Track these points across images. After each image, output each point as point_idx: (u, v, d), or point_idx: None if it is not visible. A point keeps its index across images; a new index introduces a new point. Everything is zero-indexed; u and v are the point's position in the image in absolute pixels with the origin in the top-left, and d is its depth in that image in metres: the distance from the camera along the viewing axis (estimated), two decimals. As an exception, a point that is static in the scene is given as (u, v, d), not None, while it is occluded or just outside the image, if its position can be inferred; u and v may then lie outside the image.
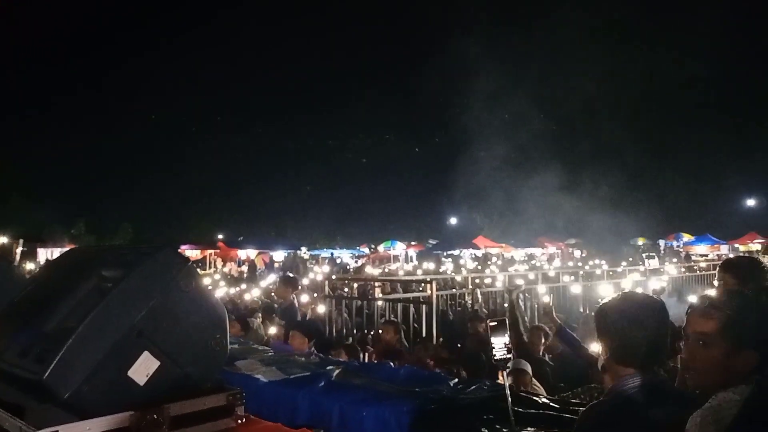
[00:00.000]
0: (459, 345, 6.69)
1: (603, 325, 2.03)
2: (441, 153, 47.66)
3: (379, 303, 7.78)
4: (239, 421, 2.00)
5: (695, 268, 15.30)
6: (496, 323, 2.48)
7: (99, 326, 1.69)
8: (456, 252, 36.77)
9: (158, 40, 50.63)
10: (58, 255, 3.06)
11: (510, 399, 2.42)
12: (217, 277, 17.28)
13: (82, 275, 1.96)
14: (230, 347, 2.15)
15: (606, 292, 7.79)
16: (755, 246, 30.85)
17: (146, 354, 1.76)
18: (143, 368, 1.75)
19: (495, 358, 2.45)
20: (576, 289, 8.48)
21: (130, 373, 1.74)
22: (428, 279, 8.35)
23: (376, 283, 8.34)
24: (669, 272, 13.34)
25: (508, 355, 2.43)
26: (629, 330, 1.89)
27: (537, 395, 3.38)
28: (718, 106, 35.15)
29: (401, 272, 19.31)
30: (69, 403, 1.68)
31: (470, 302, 9.28)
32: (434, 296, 7.54)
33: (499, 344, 2.42)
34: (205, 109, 48.68)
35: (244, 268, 27.85)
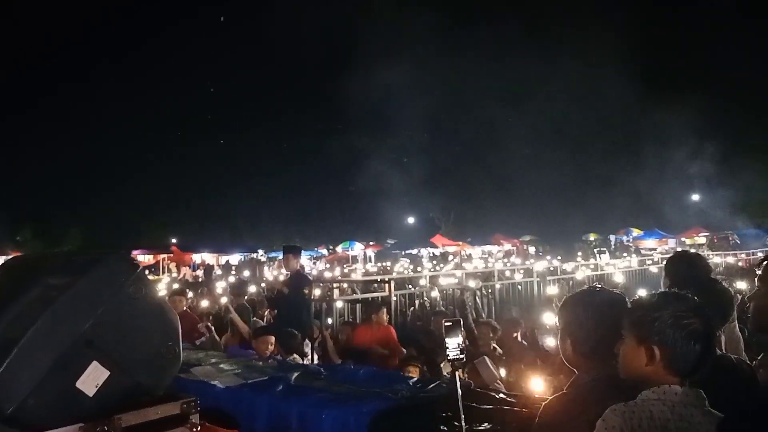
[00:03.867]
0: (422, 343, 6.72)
1: (567, 320, 2.08)
2: (398, 153, 47.93)
3: (338, 304, 7.76)
4: (194, 430, 1.96)
5: (647, 261, 15.77)
6: (450, 323, 2.49)
7: (44, 336, 1.63)
8: (414, 251, 37.03)
9: (110, 45, 49.24)
10: (1, 263, 2.93)
11: (460, 395, 2.44)
12: (170, 283, 16.88)
13: (25, 283, 1.88)
14: (186, 354, 2.10)
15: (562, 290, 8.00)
16: (700, 239, 32.15)
17: (95, 364, 1.70)
18: (92, 379, 1.69)
19: (448, 357, 2.47)
20: (552, 290, 8.53)
21: (79, 384, 1.68)
22: (386, 279, 8.38)
23: (335, 285, 8.29)
24: (619, 267, 13.75)
25: (461, 355, 2.45)
26: (594, 324, 1.95)
27: (495, 391, 3.43)
28: (665, 105, 36.42)
29: (360, 273, 19.29)
30: (13, 417, 1.61)
31: (428, 301, 9.35)
32: (392, 296, 7.57)
33: (453, 344, 2.44)
34: (155, 112, 47.52)
35: (200, 273, 27.35)
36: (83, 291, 1.74)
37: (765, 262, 1.78)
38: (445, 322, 2.52)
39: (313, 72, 44.08)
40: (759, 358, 2.74)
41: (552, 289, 8.15)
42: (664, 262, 3.34)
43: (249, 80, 48.29)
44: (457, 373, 2.46)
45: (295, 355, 5.74)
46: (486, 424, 2.58)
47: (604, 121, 38.57)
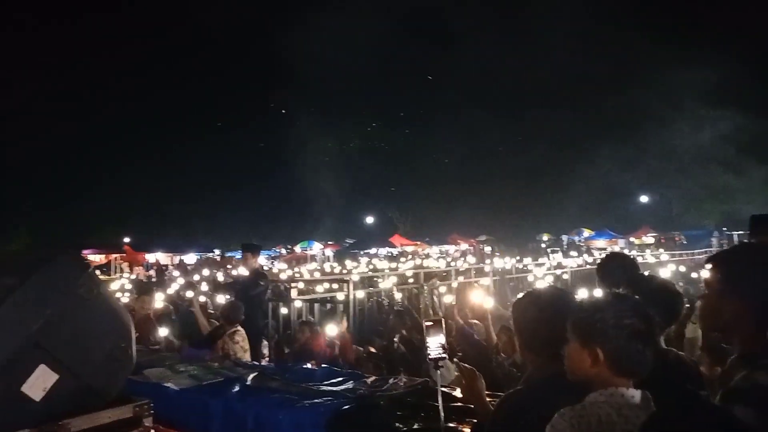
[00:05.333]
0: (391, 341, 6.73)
1: (517, 319, 2.13)
2: (356, 153, 47.92)
3: (297, 304, 7.70)
4: (148, 433, 1.92)
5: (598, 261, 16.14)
6: (431, 323, 2.47)
7: (-11, 339, 1.56)
8: (372, 251, 37.09)
9: (58, 41, 47.41)
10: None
11: (440, 394, 2.45)
12: (126, 284, 16.41)
13: (-32, 285, 1.80)
14: (139, 355, 2.05)
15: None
16: (649, 239, 33.24)
17: (43, 367, 1.64)
18: (40, 382, 1.63)
19: (430, 357, 2.44)
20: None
21: (25, 388, 1.62)
22: (345, 278, 8.36)
23: (292, 284, 8.22)
24: (570, 266, 14.07)
25: (443, 354, 2.43)
26: (541, 323, 1.99)
27: (453, 389, 3.47)
28: (614, 108, 37.51)
29: (317, 273, 19.19)
30: (-47, 425, 1.55)
31: (386, 300, 9.38)
32: (351, 295, 7.56)
33: (435, 344, 2.42)
34: (108, 106, 46.10)
35: (153, 273, 26.70)
36: (31, 292, 1.68)
37: (710, 265, 1.83)
38: (426, 321, 2.50)
39: (264, 70, 43.57)
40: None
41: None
42: (598, 264, 3.40)
43: (202, 80, 47.44)
44: (438, 372, 2.44)
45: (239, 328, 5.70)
46: (451, 423, 2.60)
47: (558, 124, 39.45)
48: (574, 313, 1.77)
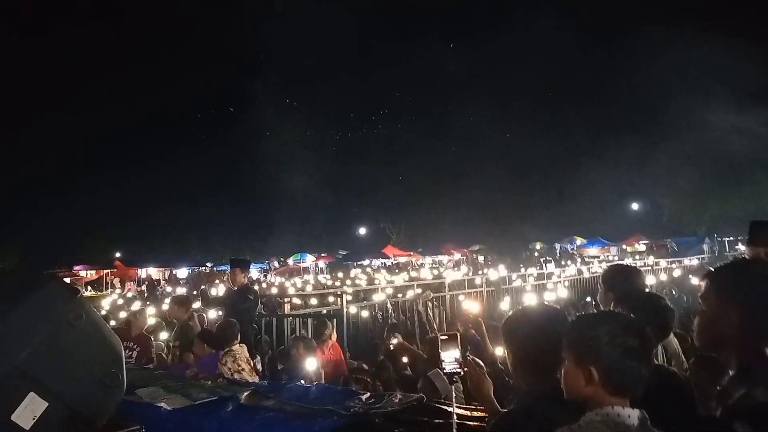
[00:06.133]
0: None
1: (509, 337, 2.12)
2: (350, 165, 47.94)
3: (290, 318, 7.64)
4: (140, 459, 1.89)
5: (593, 270, 16.13)
6: (446, 337, 2.45)
7: (-25, 369, 1.54)
8: (366, 262, 37.07)
9: (46, 51, 47.26)
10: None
11: (455, 410, 2.42)
12: (118, 299, 16.35)
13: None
14: (130, 374, 2.02)
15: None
16: (641, 247, 33.41)
17: (32, 395, 1.61)
18: (29, 411, 1.60)
19: (445, 371, 2.42)
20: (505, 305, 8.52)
21: (14, 417, 1.59)
22: (338, 292, 8.33)
23: (285, 300, 8.17)
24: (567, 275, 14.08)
25: (458, 369, 2.40)
26: (533, 341, 1.99)
27: (448, 404, 3.44)
28: (605, 117, 37.83)
29: (309, 286, 19.13)
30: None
31: (380, 314, 9.34)
32: (344, 309, 7.52)
33: (449, 358, 2.40)
34: (98, 119, 45.94)
35: (144, 288, 26.58)
36: (19, 319, 1.66)
37: (706, 280, 1.83)
38: (441, 335, 2.47)
39: (256, 80, 43.60)
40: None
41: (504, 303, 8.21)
42: (602, 273, 3.40)
43: (193, 93, 47.38)
44: (453, 387, 2.41)
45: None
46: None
47: (549, 133, 39.68)
48: (568, 332, 1.76)
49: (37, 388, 1.63)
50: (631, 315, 1.82)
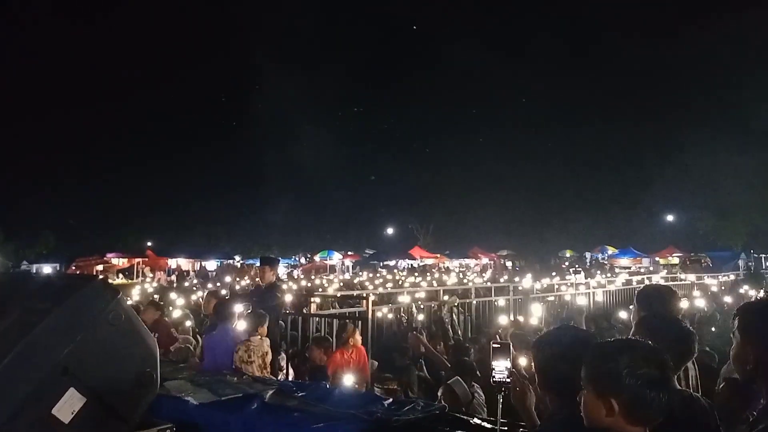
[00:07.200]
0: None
1: (539, 358, 2.13)
2: (380, 164, 48.06)
3: (316, 318, 7.69)
4: (169, 456, 1.96)
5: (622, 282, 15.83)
6: (498, 346, 2.41)
7: (23, 363, 1.61)
8: (392, 262, 37.05)
9: (88, 37, 48.48)
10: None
11: (500, 420, 2.42)
12: (149, 288, 16.70)
13: (3, 304, 1.86)
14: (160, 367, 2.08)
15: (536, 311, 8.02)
16: (674, 260, 32.64)
17: (72, 391, 1.69)
18: (68, 406, 1.68)
19: (494, 380, 2.38)
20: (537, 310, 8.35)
21: (55, 411, 1.67)
22: (364, 294, 8.34)
23: (312, 299, 8.22)
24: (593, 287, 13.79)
25: (508, 380, 2.35)
26: (563, 363, 1.99)
27: (471, 416, 3.44)
28: (640, 127, 37.30)
29: (336, 282, 19.22)
30: (-13, 445, 1.60)
31: (405, 317, 9.36)
32: (370, 311, 7.53)
33: (500, 367, 2.36)
34: (135, 115, 46.99)
35: (174, 278, 27.06)
36: (62, 318, 1.74)
37: (738, 315, 1.85)
38: (493, 344, 2.45)
39: (291, 77, 44.01)
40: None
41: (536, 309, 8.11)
42: (636, 292, 3.37)
43: (227, 87, 48.09)
44: (498, 397, 2.39)
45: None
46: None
47: (583, 141, 39.18)
48: (588, 361, 1.74)
49: (76, 384, 1.71)
50: (648, 340, 1.81)
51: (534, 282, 12.67)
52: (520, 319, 7.54)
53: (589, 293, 12.33)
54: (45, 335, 1.69)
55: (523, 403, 2.37)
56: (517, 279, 15.50)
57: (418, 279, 20.79)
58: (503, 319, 7.43)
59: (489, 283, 13.91)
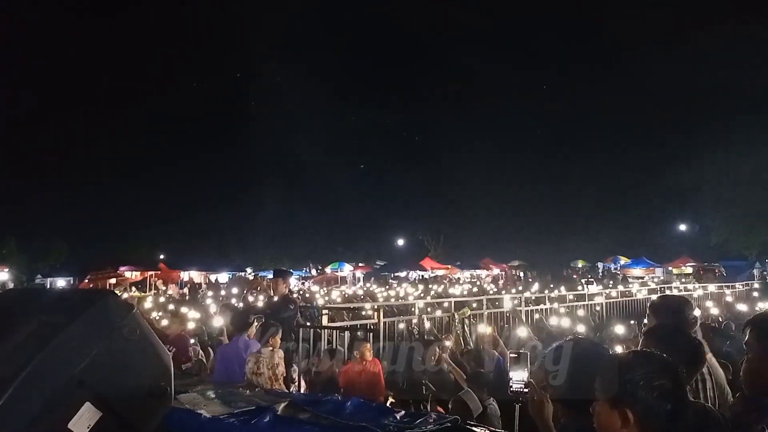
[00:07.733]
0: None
1: (550, 369, 2.13)
2: (389, 175, 48.16)
3: (327, 330, 7.71)
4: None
5: (633, 293, 15.74)
6: (516, 355, 2.43)
7: (38, 376, 1.63)
8: (403, 274, 37.01)
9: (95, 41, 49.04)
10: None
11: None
12: (155, 300, 16.80)
13: (19, 319, 1.88)
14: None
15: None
16: (687, 269, 32.36)
17: (88, 405, 1.70)
18: (84, 420, 1.70)
19: (511, 389, 2.41)
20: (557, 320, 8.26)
21: (71, 425, 1.68)
22: (375, 306, 8.36)
23: (324, 311, 8.26)
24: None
25: (525, 390, 2.37)
26: (576, 375, 1.99)
27: (485, 427, 3.42)
28: (655, 139, 37.17)
29: (347, 292, 19.22)
30: (3, 459, 1.61)
31: (416, 328, 9.34)
32: (381, 323, 7.55)
33: (518, 377, 2.39)
34: (146, 126, 47.49)
35: (186, 291, 27.16)
36: (79, 331, 1.75)
37: (749, 328, 1.82)
38: (511, 353, 2.46)
39: (302, 87, 44.37)
40: None
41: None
42: (650, 302, 3.36)
43: (239, 96, 48.50)
44: (517, 407, 2.39)
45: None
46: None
47: (595, 152, 39.06)
48: (602, 373, 1.76)
49: (92, 398, 1.73)
50: (657, 350, 1.81)
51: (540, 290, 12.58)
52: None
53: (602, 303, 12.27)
54: (61, 349, 1.71)
55: (541, 413, 2.37)
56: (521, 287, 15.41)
57: (431, 289, 20.73)
58: (522, 331, 7.41)
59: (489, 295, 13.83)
